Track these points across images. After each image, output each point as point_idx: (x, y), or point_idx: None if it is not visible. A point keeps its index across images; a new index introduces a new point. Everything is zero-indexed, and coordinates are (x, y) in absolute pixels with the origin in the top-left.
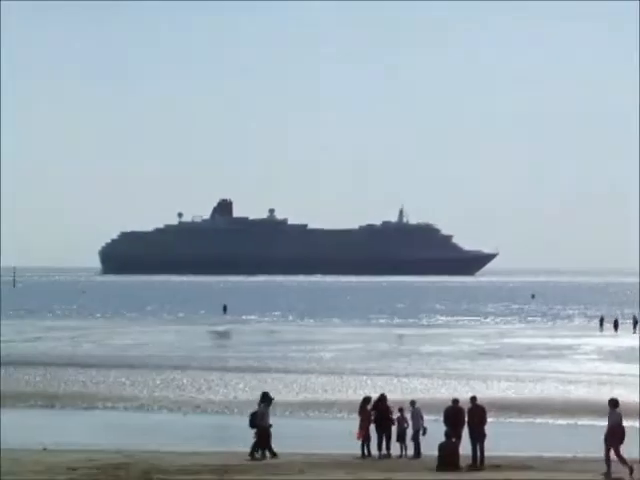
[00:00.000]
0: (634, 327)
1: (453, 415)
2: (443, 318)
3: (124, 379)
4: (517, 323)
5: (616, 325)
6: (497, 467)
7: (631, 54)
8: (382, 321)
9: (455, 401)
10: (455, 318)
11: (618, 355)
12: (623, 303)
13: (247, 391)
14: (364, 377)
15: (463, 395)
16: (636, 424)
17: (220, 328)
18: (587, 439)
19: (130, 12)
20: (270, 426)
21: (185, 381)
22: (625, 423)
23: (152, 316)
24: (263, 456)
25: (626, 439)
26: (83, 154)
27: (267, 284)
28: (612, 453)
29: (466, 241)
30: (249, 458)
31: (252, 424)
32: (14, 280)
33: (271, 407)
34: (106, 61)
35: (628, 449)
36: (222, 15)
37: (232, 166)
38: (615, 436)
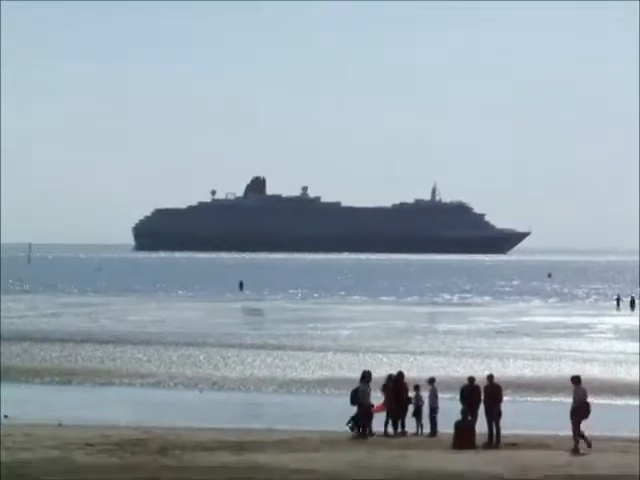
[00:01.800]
0: None
1: (469, 393)
2: (463, 295)
3: (141, 355)
4: (534, 301)
5: (632, 304)
6: (513, 445)
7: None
8: (399, 299)
9: (471, 379)
10: (474, 296)
11: (634, 334)
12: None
13: (263, 368)
14: (380, 355)
15: (479, 374)
16: None
17: (237, 305)
18: (603, 417)
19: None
20: (371, 405)
21: (202, 358)
22: (637, 402)
23: (170, 292)
24: (362, 434)
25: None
26: (120, 133)
27: (297, 261)
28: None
29: (499, 220)
30: (352, 432)
31: (353, 401)
32: (29, 256)
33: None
34: (135, 40)
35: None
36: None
37: (266, 144)
38: (580, 412)
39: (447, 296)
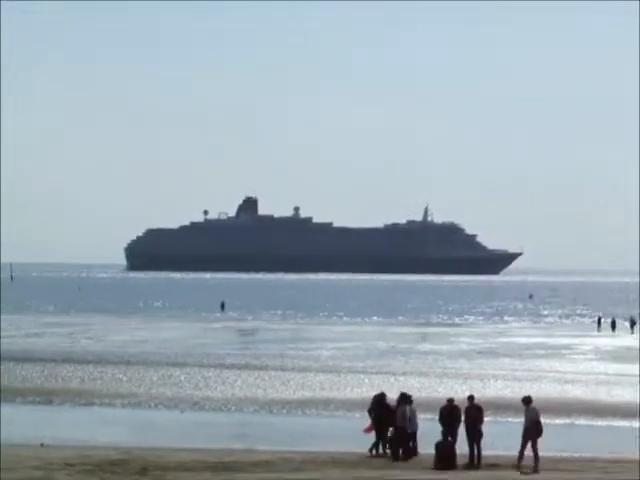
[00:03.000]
0: (631, 327)
1: (448, 414)
2: (445, 317)
3: (121, 376)
4: (515, 322)
5: (613, 325)
6: (494, 466)
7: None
8: (382, 319)
9: (450, 400)
10: (457, 318)
11: (615, 355)
12: (624, 303)
13: (244, 388)
14: (361, 375)
15: (460, 394)
16: (635, 424)
17: (217, 325)
18: (584, 438)
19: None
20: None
21: (182, 378)
22: (624, 423)
23: (150, 313)
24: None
25: (598, 436)
26: (108, 152)
27: (287, 282)
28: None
29: (491, 240)
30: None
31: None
32: (11, 275)
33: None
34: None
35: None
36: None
37: (258, 164)
38: (532, 431)
39: (430, 316)
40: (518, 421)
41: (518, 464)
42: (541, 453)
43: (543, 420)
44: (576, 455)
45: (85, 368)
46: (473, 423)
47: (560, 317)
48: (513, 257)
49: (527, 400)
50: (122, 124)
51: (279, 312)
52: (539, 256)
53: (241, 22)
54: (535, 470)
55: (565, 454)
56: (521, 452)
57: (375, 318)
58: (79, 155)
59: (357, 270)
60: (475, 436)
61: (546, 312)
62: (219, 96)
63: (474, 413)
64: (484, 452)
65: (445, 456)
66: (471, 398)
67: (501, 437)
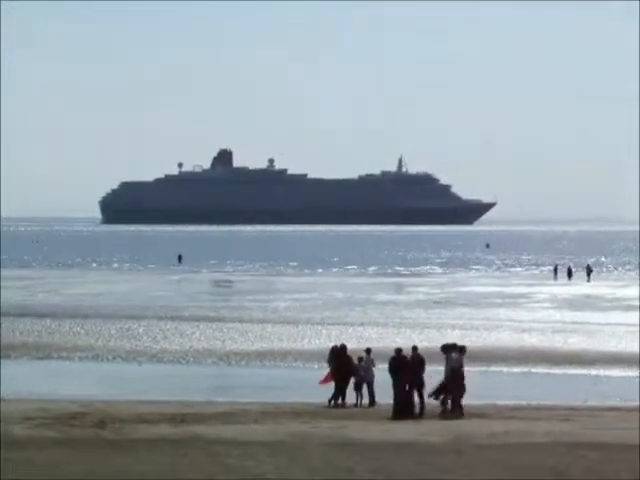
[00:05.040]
0: (588, 275)
1: (396, 364)
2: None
3: (79, 329)
4: (471, 272)
5: (570, 273)
6: (452, 414)
7: None
8: (338, 269)
9: (398, 350)
10: (415, 268)
11: (571, 303)
12: (583, 252)
13: (202, 340)
14: (319, 326)
15: (418, 344)
16: (592, 372)
17: (175, 277)
18: (541, 386)
19: None
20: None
21: (140, 331)
22: (581, 371)
23: (108, 266)
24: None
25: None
26: (84, 106)
27: (260, 234)
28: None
29: (465, 190)
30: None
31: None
32: None
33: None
34: (104, 22)
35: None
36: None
37: (232, 116)
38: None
39: (387, 267)
40: (476, 370)
41: (444, 410)
42: (501, 402)
43: (502, 369)
44: (534, 403)
45: (42, 322)
46: (415, 373)
47: (513, 265)
48: (487, 207)
49: (449, 348)
50: (100, 84)
51: (239, 264)
52: (514, 206)
53: None
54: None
55: (523, 402)
56: (445, 400)
57: (335, 269)
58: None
59: (332, 221)
60: (417, 386)
61: (503, 261)
62: (192, 50)
63: (416, 363)
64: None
65: (402, 405)
66: (414, 348)
67: None
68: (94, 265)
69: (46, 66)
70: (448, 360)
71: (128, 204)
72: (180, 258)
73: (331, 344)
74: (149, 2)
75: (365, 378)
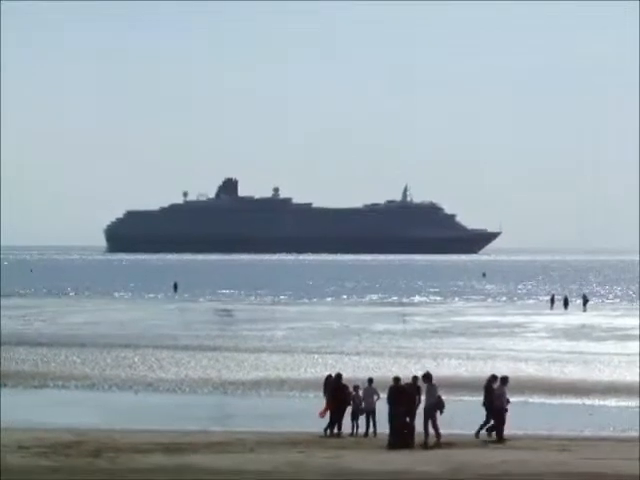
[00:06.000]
0: (584, 305)
1: (394, 394)
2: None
3: (75, 358)
4: (468, 301)
5: (566, 303)
6: (449, 445)
7: None
8: (334, 299)
9: (396, 379)
10: (409, 298)
11: (567, 333)
12: (579, 281)
13: (198, 369)
14: (315, 355)
15: (415, 373)
16: (588, 402)
17: (171, 306)
18: (538, 416)
19: None
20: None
21: (136, 359)
22: (577, 401)
23: (104, 295)
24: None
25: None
26: (87, 133)
27: (263, 262)
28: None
29: (470, 220)
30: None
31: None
32: None
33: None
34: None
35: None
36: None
37: (237, 145)
38: (435, 408)
39: (384, 296)
40: (473, 400)
41: (425, 441)
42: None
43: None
44: (530, 433)
45: (38, 350)
46: (412, 402)
47: (510, 296)
48: (492, 236)
49: (429, 377)
50: (103, 107)
51: (236, 293)
52: (520, 235)
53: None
54: (438, 445)
55: (519, 432)
56: (426, 429)
57: (330, 298)
58: (60, 138)
59: (336, 250)
60: (412, 415)
61: (499, 290)
62: (198, 79)
63: (414, 392)
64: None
65: (400, 435)
66: (414, 379)
67: (455, 416)
68: (92, 293)
69: (50, 83)
70: (428, 390)
71: (134, 233)
72: (176, 286)
73: (327, 373)
74: (151, 17)
75: (367, 408)
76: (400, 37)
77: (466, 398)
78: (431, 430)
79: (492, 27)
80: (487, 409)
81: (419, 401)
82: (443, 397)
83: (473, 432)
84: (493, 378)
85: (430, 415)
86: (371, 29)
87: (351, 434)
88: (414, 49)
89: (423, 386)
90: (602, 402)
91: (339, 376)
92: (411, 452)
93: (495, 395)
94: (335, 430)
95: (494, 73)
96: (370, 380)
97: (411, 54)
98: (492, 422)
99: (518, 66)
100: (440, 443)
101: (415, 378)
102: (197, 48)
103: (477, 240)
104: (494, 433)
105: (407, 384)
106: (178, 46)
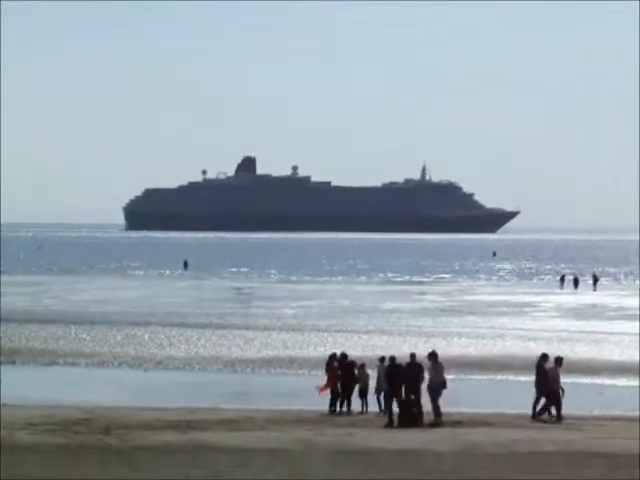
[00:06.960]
0: (594, 284)
1: (393, 372)
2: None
3: (85, 335)
4: (478, 280)
5: (576, 282)
6: (458, 423)
7: None
8: (345, 278)
9: (392, 358)
10: (419, 277)
11: (577, 312)
12: (591, 261)
13: (208, 347)
14: (325, 334)
15: (423, 352)
16: (598, 381)
17: (182, 284)
18: None
19: None
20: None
21: (146, 337)
22: (587, 380)
23: (113, 273)
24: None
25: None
26: (108, 112)
27: (281, 240)
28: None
29: (488, 199)
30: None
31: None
32: None
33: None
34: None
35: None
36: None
37: (256, 123)
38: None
39: (394, 275)
40: (483, 378)
41: (438, 419)
42: (507, 410)
43: (508, 377)
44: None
45: (48, 328)
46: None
47: (520, 275)
48: (510, 216)
49: (434, 355)
50: (122, 86)
51: (246, 271)
52: (539, 214)
53: None
54: (439, 424)
55: (529, 411)
56: (436, 407)
57: (340, 277)
58: (60, 138)
59: (355, 229)
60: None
61: (510, 269)
62: (217, 56)
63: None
64: (448, 409)
65: (408, 413)
66: (412, 356)
67: (464, 394)
68: (103, 271)
69: (67, 67)
70: (433, 368)
71: (152, 211)
72: (186, 264)
73: (336, 351)
74: (151, 17)
75: (379, 387)
76: (400, 37)
77: (475, 377)
78: (428, 408)
79: (492, 27)
80: (538, 389)
81: (422, 378)
82: (452, 376)
83: (529, 413)
84: (544, 357)
85: (437, 394)
86: (371, 29)
87: (361, 412)
88: (414, 49)
89: (427, 365)
90: (612, 381)
91: (344, 355)
92: (420, 431)
93: (550, 377)
94: (339, 408)
95: (494, 73)
96: (382, 359)
97: (411, 54)
98: (542, 402)
99: (518, 66)
100: (441, 422)
101: (413, 355)
102: (197, 48)
103: (495, 219)
104: (546, 414)
105: (407, 363)
106: (178, 46)
